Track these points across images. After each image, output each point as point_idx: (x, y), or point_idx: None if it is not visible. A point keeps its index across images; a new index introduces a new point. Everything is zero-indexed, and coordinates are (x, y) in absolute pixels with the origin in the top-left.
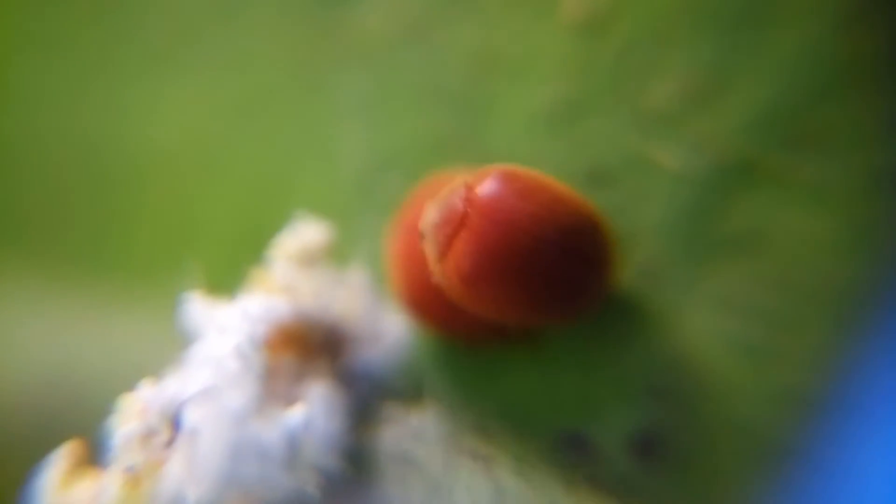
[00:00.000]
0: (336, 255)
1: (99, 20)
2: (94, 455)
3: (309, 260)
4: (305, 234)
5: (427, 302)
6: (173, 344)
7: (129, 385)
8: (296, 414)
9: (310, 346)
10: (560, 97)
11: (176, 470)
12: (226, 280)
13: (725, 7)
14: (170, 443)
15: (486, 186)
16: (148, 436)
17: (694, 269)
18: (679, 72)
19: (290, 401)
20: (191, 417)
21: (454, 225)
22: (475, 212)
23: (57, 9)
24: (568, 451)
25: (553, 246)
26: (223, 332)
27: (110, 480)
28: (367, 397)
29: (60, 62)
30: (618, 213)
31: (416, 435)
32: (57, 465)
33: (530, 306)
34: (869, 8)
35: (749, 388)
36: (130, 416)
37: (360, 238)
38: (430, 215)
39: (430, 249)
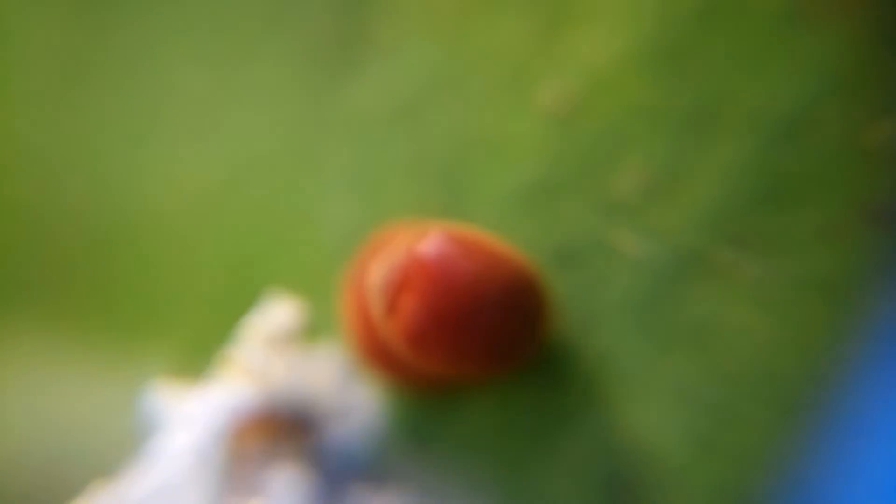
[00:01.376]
0: (314, 328)
1: (102, 84)
2: None
3: (281, 341)
4: (278, 314)
5: (381, 353)
6: (145, 420)
7: (99, 463)
8: None
9: (277, 428)
10: (534, 179)
11: None
12: (205, 351)
13: (676, 112)
14: None
15: (427, 246)
16: None
17: (650, 357)
18: (638, 166)
19: (255, 490)
20: None
21: (397, 285)
22: (417, 272)
23: (59, 68)
24: None
25: (494, 302)
26: (185, 425)
27: None
28: (336, 478)
29: (62, 123)
30: (582, 293)
31: None
32: None
33: (474, 361)
34: (805, 126)
35: (701, 484)
36: None
37: (337, 308)
38: (375, 275)
39: (376, 309)
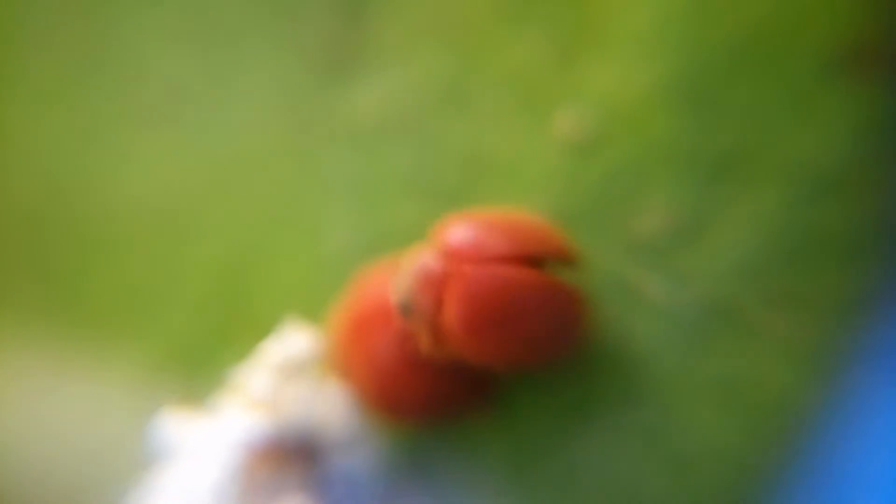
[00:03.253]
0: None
1: (87, 76)
2: None
3: (294, 372)
4: (293, 343)
5: (389, 388)
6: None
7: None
8: None
9: (284, 458)
10: (548, 209)
11: None
12: (192, 354)
13: (705, 153)
14: None
15: (455, 234)
16: None
17: (676, 405)
18: (662, 206)
19: None
20: None
21: (438, 282)
22: (456, 260)
23: (50, 55)
24: None
25: (536, 272)
26: (198, 458)
27: None
28: None
29: (48, 112)
30: (603, 331)
31: None
32: None
33: (530, 342)
34: (843, 184)
35: None
36: None
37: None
38: (404, 287)
39: (417, 319)
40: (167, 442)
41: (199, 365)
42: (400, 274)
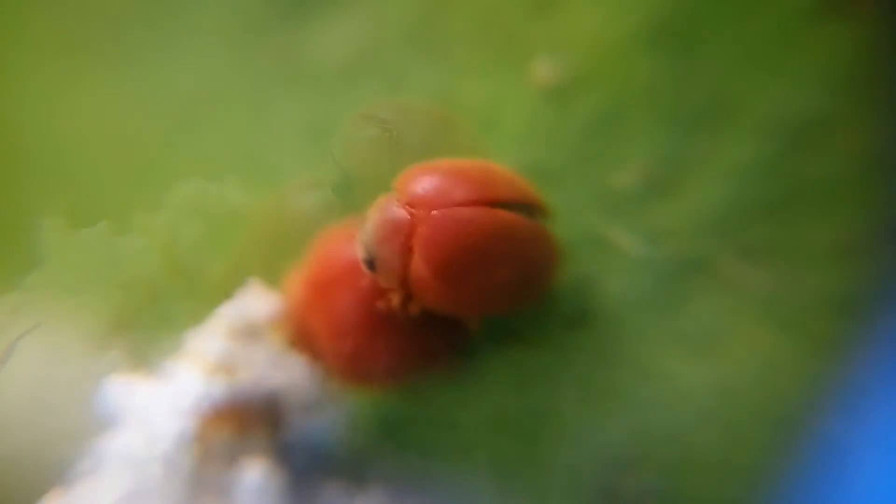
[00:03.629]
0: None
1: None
2: None
3: (253, 334)
4: (252, 306)
5: (357, 351)
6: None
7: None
8: None
9: (246, 420)
10: (526, 160)
11: None
12: (144, 316)
13: (685, 105)
14: None
15: (420, 183)
16: None
17: (649, 360)
18: (639, 158)
19: (223, 489)
20: None
21: (405, 231)
22: (422, 208)
23: None
24: None
25: (504, 212)
26: (148, 425)
27: None
28: (307, 472)
29: None
30: (576, 288)
31: None
32: None
33: (505, 283)
34: (824, 133)
35: (694, 498)
36: None
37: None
38: (370, 240)
39: (385, 272)
40: (115, 408)
41: (151, 328)
42: (365, 227)
